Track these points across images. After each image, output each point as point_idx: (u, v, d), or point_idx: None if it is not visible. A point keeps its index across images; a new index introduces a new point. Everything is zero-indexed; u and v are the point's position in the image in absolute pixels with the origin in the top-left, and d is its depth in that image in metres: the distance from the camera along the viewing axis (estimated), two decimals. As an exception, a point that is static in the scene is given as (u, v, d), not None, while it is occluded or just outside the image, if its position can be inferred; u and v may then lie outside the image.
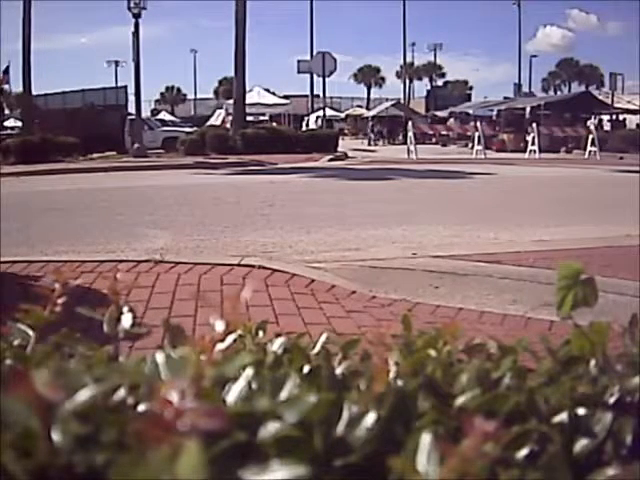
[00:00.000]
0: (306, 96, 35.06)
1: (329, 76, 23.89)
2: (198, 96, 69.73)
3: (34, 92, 23.37)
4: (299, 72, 26.95)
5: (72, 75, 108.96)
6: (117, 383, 0.59)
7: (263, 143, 20.19)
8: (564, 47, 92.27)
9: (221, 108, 33.09)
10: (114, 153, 21.22)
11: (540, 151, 21.33)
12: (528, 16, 58.90)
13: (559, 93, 63.60)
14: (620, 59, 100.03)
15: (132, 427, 0.50)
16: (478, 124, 22.94)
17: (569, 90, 65.49)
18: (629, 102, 32.64)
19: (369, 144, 34.37)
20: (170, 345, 0.77)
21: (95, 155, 20.33)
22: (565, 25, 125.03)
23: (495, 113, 32.83)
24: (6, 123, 28.80)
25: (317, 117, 31.95)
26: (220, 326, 0.68)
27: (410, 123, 23.47)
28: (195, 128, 26.78)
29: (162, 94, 73.36)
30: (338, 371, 0.74)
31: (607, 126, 31.05)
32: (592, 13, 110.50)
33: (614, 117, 32.67)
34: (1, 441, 0.49)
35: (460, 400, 0.66)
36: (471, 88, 66.98)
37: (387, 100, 50.81)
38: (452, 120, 32.18)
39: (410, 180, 12.49)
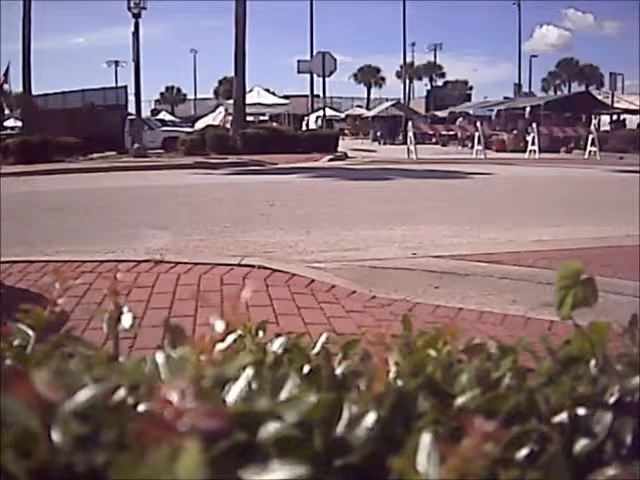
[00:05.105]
0: (306, 96, 35.04)
1: (329, 76, 23.91)
2: (198, 96, 69.88)
3: (34, 92, 23.41)
4: (299, 72, 26.92)
5: (72, 75, 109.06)
6: (117, 383, 0.59)
7: (263, 143, 20.18)
8: (561, 47, 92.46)
9: (221, 105, 33.04)
10: (114, 153, 21.21)
11: (540, 151, 21.32)
12: (525, 16, 58.88)
13: (559, 93, 63.61)
14: (619, 59, 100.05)
15: (132, 427, 0.50)
16: (478, 124, 22.97)
17: (569, 90, 65.53)
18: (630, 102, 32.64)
19: (378, 143, 35.00)
20: (170, 345, 0.77)
21: (95, 155, 20.32)
22: (562, 25, 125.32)
23: (495, 113, 32.81)
24: (6, 123, 28.81)
25: (317, 117, 31.96)
26: (220, 326, 0.68)
27: (410, 123, 23.48)
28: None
29: (162, 94, 73.41)
30: (338, 371, 0.74)
31: (607, 126, 31.01)
32: (589, 12, 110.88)
33: (614, 117, 32.67)
34: (1, 441, 0.49)
35: (460, 400, 0.66)
36: (471, 88, 67.01)
37: (387, 100, 50.85)
38: (461, 120, 31.74)
39: (410, 180, 12.49)
